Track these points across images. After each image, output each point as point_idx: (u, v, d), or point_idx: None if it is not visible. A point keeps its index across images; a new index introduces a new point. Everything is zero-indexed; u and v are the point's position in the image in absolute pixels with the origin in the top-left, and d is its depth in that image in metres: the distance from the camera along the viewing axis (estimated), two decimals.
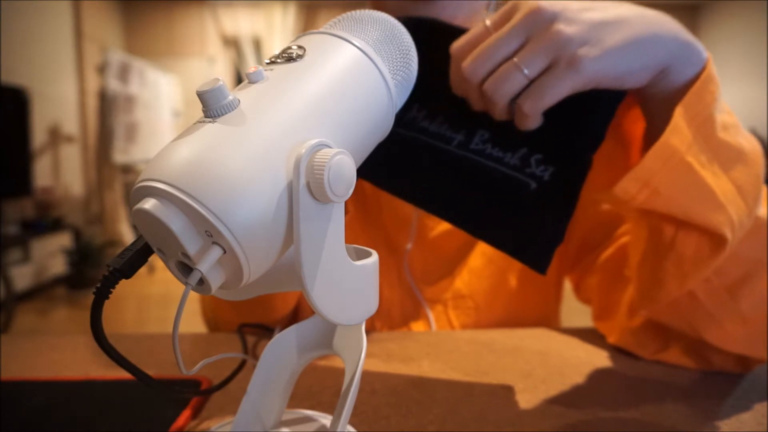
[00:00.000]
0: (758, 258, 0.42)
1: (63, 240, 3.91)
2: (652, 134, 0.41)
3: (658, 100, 0.41)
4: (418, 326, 0.64)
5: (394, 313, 0.64)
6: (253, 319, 0.56)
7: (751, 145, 0.41)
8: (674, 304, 0.45)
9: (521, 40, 0.38)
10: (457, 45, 0.41)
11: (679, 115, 0.38)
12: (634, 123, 0.45)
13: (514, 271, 0.64)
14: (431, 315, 0.64)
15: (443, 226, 0.64)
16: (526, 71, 0.37)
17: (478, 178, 0.44)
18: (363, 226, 0.65)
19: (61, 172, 4.31)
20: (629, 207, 0.41)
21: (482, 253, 0.64)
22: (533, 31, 0.37)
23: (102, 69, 4.79)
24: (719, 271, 0.42)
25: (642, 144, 0.45)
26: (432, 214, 0.48)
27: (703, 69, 0.39)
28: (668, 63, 0.39)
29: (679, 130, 0.38)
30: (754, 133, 4.61)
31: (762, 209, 0.42)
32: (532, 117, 0.39)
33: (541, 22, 0.37)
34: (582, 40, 0.36)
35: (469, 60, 0.39)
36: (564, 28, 0.36)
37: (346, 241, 0.27)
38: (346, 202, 0.25)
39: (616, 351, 0.53)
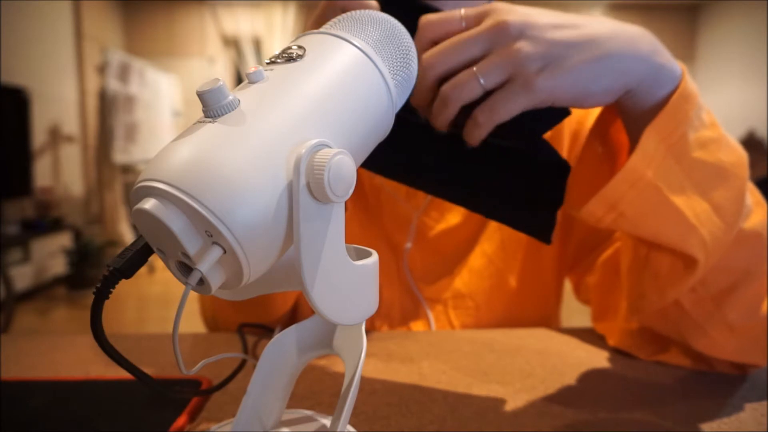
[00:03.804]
0: (744, 268, 0.42)
1: (63, 240, 3.91)
2: (632, 148, 0.41)
3: (631, 117, 0.41)
4: (417, 326, 0.64)
5: (394, 313, 0.64)
6: (253, 319, 0.56)
7: (733, 158, 0.40)
8: (662, 313, 0.45)
9: (484, 49, 0.38)
10: (426, 21, 0.41)
11: (647, 138, 0.38)
12: (621, 131, 0.44)
13: (514, 271, 0.64)
14: (431, 315, 0.64)
15: (443, 226, 0.64)
16: (482, 81, 0.37)
17: (471, 152, 0.44)
18: (363, 226, 0.65)
19: (61, 172, 4.31)
20: (599, 227, 0.41)
21: (482, 253, 0.64)
22: (496, 44, 0.37)
23: (102, 69, 4.79)
24: (704, 282, 0.42)
25: (627, 153, 0.45)
26: (429, 194, 0.48)
27: (677, 88, 0.39)
28: (633, 86, 0.38)
29: (646, 153, 0.38)
30: (753, 133, 4.60)
31: (748, 220, 0.42)
32: (484, 128, 0.39)
33: (506, 37, 0.37)
34: (542, 60, 0.36)
35: (431, 53, 0.39)
36: (525, 46, 0.36)
37: (346, 241, 0.27)
38: (345, 201, 0.26)
39: (615, 351, 0.53)
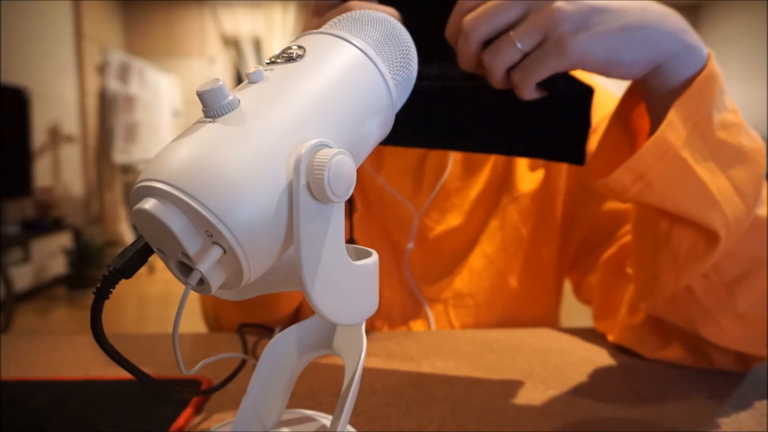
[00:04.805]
0: (757, 256, 0.42)
1: (63, 240, 3.91)
2: (654, 130, 0.41)
3: (658, 96, 0.41)
4: (417, 326, 0.64)
5: (394, 313, 0.64)
6: (256, 319, 0.56)
7: (753, 144, 0.41)
8: (672, 300, 0.45)
9: (522, 11, 0.39)
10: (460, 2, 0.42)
11: (674, 112, 0.39)
12: (642, 116, 0.45)
13: (514, 271, 0.64)
14: (431, 314, 0.64)
15: (443, 227, 0.64)
16: (519, 45, 0.38)
17: (493, 98, 0.44)
18: (364, 226, 0.65)
19: (61, 172, 4.31)
20: (623, 199, 0.41)
21: (483, 254, 0.64)
22: (534, 5, 0.38)
23: (102, 69, 4.79)
24: (717, 269, 0.42)
25: (647, 138, 0.45)
26: (453, 150, 0.47)
27: (703, 69, 0.39)
28: (662, 60, 0.39)
29: (674, 126, 0.38)
30: None
31: (762, 208, 0.42)
32: (523, 88, 0.40)
33: None
34: (577, 21, 0.37)
35: (471, 17, 0.40)
36: (563, 6, 0.37)
37: (347, 241, 0.27)
38: (355, 200, 0.26)
39: (616, 351, 0.54)
